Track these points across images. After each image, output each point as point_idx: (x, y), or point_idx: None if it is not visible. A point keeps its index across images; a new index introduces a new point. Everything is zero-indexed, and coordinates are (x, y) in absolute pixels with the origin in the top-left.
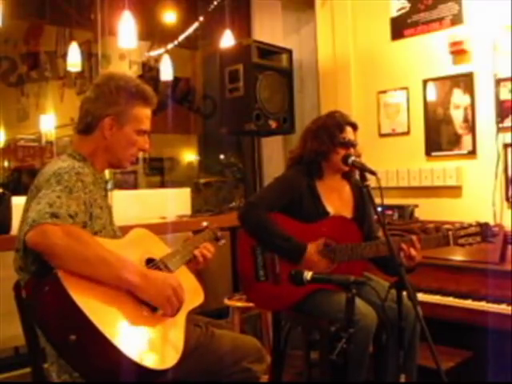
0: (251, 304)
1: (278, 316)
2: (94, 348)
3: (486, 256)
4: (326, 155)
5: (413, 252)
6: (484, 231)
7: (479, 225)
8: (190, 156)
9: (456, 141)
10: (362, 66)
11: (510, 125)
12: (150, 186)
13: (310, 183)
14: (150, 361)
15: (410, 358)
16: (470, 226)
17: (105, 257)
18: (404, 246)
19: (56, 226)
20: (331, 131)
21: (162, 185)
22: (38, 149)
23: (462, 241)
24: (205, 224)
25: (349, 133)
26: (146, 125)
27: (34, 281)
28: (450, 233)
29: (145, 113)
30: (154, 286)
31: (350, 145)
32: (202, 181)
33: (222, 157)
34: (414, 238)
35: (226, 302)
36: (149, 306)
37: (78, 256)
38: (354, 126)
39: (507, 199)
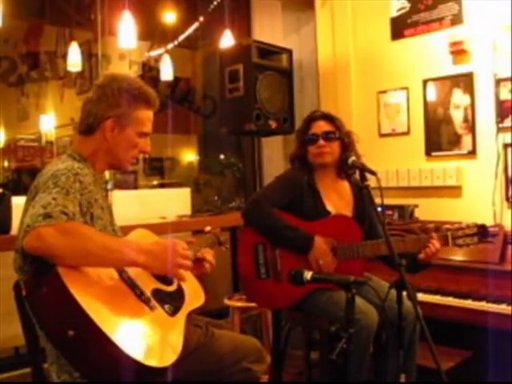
0: (251, 304)
1: (278, 316)
2: (92, 344)
3: (486, 256)
4: (303, 157)
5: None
6: (481, 232)
7: (476, 226)
8: (190, 156)
9: (456, 141)
10: (362, 65)
11: (510, 125)
12: (150, 185)
13: (309, 182)
14: (148, 358)
15: (410, 358)
16: (468, 226)
17: (106, 244)
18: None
19: (49, 227)
20: (300, 132)
21: (162, 185)
22: (38, 149)
23: (460, 241)
24: (208, 228)
25: (319, 127)
26: (148, 127)
27: (34, 279)
28: (449, 233)
29: (147, 115)
30: (160, 258)
31: (314, 139)
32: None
33: (222, 157)
34: (434, 234)
35: (226, 302)
36: (148, 303)
37: (78, 251)
38: (324, 117)
39: (507, 199)
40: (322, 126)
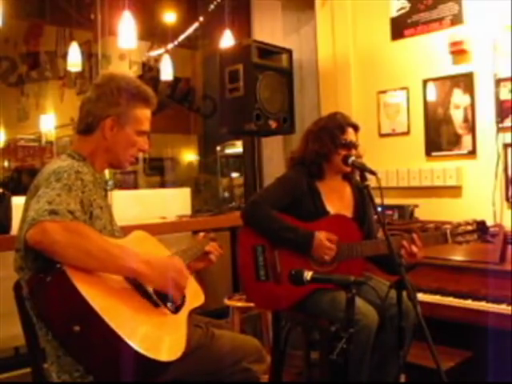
0: (251, 304)
1: (278, 316)
2: (98, 338)
3: (486, 256)
4: (327, 156)
5: (414, 249)
6: (480, 229)
7: (476, 222)
8: (190, 156)
9: (456, 141)
10: (362, 65)
11: (510, 125)
12: (150, 186)
13: (310, 183)
14: (154, 352)
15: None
16: (467, 223)
17: (107, 248)
18: (405, 243)
19: (55, 223)
20: (333, 132)
21: (162, 185)
22: (38, 149)
23: (459, 238)
24: (201, 234)
25: (350, 134)
26: (146, 126)
27: (38, 275)
28: (448, 231)
29: (145, 114)
30: (158, 271)
31: (351, 146)
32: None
33: None
34: (415, 235)
35: (226, 302)
36: (152, 301)
37: (80, 251)
38: (355, 127)
39: (507, 199)
40: (354, 135)
